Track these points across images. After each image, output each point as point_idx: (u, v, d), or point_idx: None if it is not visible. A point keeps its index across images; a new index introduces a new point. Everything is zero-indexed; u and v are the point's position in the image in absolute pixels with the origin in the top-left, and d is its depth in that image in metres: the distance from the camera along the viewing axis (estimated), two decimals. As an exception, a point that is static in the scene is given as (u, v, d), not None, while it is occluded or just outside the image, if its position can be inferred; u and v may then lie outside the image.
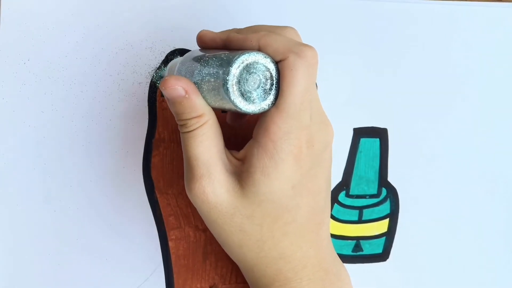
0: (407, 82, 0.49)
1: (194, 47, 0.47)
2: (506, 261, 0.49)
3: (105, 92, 0.47)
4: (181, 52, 0.47)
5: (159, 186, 0.47)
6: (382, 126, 0.49)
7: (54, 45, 0.46)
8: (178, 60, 0.42)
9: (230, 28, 0.42)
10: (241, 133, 0.45)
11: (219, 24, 0.47)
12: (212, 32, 0.41)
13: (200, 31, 0.41)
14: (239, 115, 0.42)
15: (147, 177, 0.47)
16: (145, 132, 0.47)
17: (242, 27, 0.41)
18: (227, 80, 0.37)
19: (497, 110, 0.50)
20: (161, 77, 0.47)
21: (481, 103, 0.49)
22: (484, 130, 0.49)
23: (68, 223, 0.46)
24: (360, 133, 0.48)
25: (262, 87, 0.37)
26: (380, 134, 0.49)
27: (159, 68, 0.47)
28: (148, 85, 0.47)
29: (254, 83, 0.37)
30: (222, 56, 0.38)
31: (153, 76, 0.47)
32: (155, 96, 0.47)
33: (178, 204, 0.47)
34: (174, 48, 0.47)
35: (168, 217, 0.47)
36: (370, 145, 0.49)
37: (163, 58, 0.47)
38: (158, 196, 0.47)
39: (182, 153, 0.47)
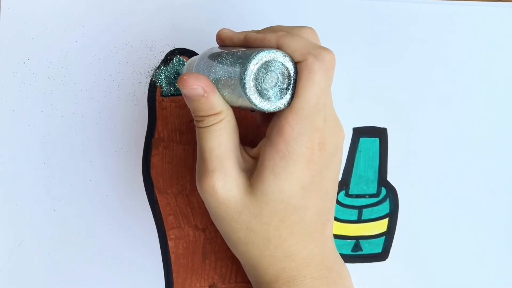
0: (406, 81, 0.49)
1: (193, 46, 0.48)
2: (506, 260, 0.49)
3: (105, 92, 0.47)
4: (181, 51, 0.47)
5: (159, 185, 0.47)
6: (381, 126, 0.49)
7: (54, 44, 0.46)
8: (196, 57, 0.42)
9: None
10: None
11: (219, 23, 0.47)
12: (231, 31, 0.41)
13: (220, 30, 0.41)
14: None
15: (146, 177, 0.47)
16: (145, 131, 0.47)
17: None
18: (244, 76, 0.36)
19: (497, 110, 0.49)
20: (161, 76, 0.47)
21: (481, 103, 0.49)
22: (484, 130, 0.49)
23: (67, 223, 0.46)
24: (359, 133, 0.48)
25: (279, 86, 0.37)
26: (380, 133, 0.49)
27: (158, 67, 0.47)
28: (147, 84, 0.47)
29: (272, 81, 0.37)
30: (241, 53, 0.38)
31: (152, 76, 0.47)
32: (154, 95, 0.47)
33: (177, 204, 0.47)
34: (174, 48, 0.47)
35: (167, 217, 0.47)
36: (369, 144, 0.49)
37: (162, 57, 0.47)
38: (157, 195, 0.47)
39: (181, 152, 0.47)
